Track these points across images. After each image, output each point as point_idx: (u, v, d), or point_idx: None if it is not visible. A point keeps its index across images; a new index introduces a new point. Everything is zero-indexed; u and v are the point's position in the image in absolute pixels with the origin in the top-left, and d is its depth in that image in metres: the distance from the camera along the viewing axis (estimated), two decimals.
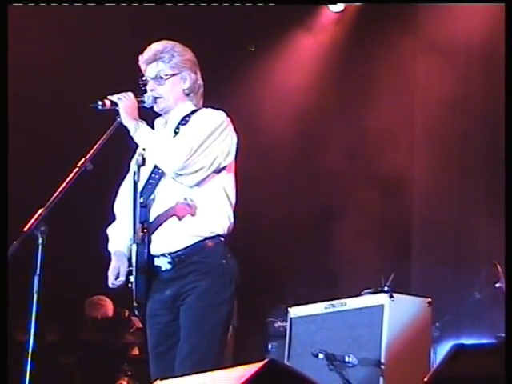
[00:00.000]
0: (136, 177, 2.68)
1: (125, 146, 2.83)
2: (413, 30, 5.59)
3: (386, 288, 3.75)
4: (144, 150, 2.67)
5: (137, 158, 2.65)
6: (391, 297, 3.59)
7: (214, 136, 2.66)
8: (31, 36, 5.21)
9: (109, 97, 2.66)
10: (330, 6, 6.00)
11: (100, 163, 2.53)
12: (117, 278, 2.73)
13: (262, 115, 5.44)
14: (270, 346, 4.75)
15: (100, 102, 2.64)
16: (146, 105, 2.70)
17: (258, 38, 6.02)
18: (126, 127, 2.65)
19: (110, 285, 2.76)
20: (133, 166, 2.78)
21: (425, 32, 5.55)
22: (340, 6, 6.02)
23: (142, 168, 2.76)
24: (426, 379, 1.75)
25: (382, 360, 3.53)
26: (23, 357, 2.33)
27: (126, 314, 3.79)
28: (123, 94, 2.67)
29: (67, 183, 2.41)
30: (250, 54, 6.16)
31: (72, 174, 2.44)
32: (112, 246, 2.79)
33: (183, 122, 2.74)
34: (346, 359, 3.57)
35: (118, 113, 2.63)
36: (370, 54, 5.68)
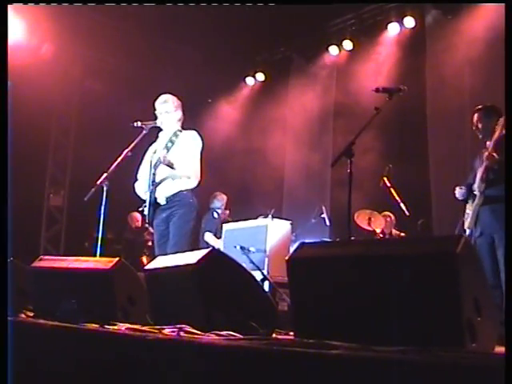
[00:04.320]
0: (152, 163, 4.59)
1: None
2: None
3: (270, 215, 5.50)
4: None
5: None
6: (272, 219, 5.48)
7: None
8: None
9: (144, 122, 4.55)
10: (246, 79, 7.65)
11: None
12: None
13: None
14: None
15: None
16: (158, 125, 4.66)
17: (214, 93, 7.71)
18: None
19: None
20: (148, 157, 4.67)
21: None
22: (252, 80, 7.71)
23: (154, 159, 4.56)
24: (286, 258, 2.16)
25: (267, 249, 5.30)
26: None
27: (146, 224, 4.89)
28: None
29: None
30: (208, 104, 7.79)
31: None
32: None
33: (174, 136, 4.65)
34: (250, 249, 5.23)
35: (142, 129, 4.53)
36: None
